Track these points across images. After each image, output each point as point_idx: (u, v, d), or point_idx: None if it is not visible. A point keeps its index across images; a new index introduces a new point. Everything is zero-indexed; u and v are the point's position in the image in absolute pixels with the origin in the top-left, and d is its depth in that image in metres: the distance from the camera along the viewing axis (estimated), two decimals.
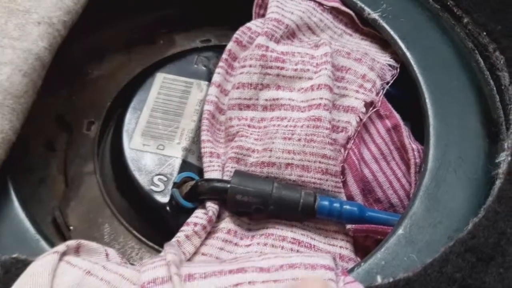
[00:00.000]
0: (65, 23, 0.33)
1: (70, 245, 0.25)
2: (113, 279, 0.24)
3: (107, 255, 0.27)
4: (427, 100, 0.33)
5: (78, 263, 0.24)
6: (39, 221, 0.30)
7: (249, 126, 0.35)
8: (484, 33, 0.37)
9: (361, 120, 0.34)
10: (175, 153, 0.36)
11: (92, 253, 0.26)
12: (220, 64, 0.37)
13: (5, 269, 0.25)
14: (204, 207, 0.33)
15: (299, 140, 0.33)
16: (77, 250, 0.26)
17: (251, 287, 0.23)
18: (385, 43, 0.38)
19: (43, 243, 0.28)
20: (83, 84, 0.43)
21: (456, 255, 0.26)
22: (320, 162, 0.32)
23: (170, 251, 0.25)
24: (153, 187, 0.34)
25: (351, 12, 0.39)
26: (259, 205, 0.32)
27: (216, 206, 0.32)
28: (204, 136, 0.35)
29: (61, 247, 0.25)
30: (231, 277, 0.24)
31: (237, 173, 0.33)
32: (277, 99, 0.35)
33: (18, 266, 0.25)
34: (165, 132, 0.37)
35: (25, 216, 0.29)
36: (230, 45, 0.38)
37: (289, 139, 0.33)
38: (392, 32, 0.37)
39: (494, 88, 0.35)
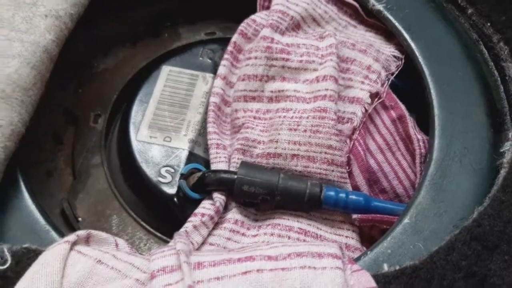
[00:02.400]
0: (72, 16, 0.33)
1: (81, 235, 0.26)
2: (123, 268, 0.24)
3: (116, 245, 0.27)
4: (432, 91, 0.34)
5: (88, 252, 0.24)
6: (48, 213, 0.30)
7: (254, 117, 0.36)
8: (488, 24, 0.37)
9: (366, 111, 0.34)
10: (182, 145, 0.36)
11: (102, 243, 0.27)
12: (225, 56, 0.37)
13: (17, 259, 0.25)
14: (211, 198, 0.33)
15: (305, 131, 0.33)
16: (87, 240, 0.26)
17: (259, 275, 0.23)
18: (389, 35, 0.38)
19: (53, 234, 0.28)
20: (89, 77, 0.43)
21: (462, 243, 0.27)
22: (326, 153, 0.32)
23: (179, 240, 0.25)
24: (160, 179, 0.35)
25: (355, 3, 0.39)
26: (265, 195, 0.32)
27: (223, 197, 0.33)
28: (210, 128, 0.35)
29: (72, 236, 0.25)
30: (240, 265, 0.24)
31: (244, 164, 0.33)
32: (283, 90, 0.35)
33: (30, 256, 0.25)
34: (172, 124, 0.37)
35: (35, 207, 0.29)
36: (235, 37, 0.38)
37: (295, 130, 0.33)
38: (396, 23, 0.37)
39: (499, 79, 0.35)
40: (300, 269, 0.24)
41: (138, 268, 0.24)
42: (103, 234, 0.27)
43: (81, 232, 0.26)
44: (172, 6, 0.46)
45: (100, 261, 0.24)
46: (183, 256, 0.23)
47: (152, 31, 0.45)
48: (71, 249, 0.24)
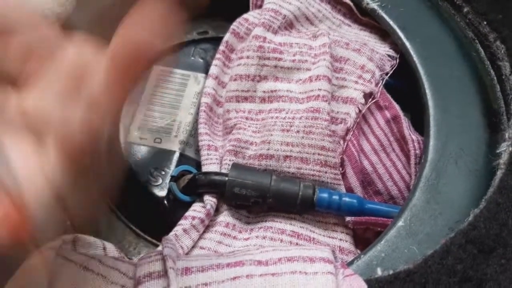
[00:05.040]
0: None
1: (67, 239, 0.25)
2: (109, 274, 0.24)
3: (104, 248, 0.27)
4: (427, 91, 0.33)
5: (74, 258, 0.24)
6: None
7: (247, 118, 0.35)
8: (485, 23, 0.36)
9: (360, 111, 0.34)
10: (172, 147, 0.35)
11: (89, 247, 0.26)
12: (217, 56, 0.37)
13: None
14: (202, 200, 0.32)
15: (298, 132, 0.32)
16: (73, 244, 0.26)
17: (248, 281, 0.23)
18: (384, 33, 0.38)
19: None
20: None
21: (457, 247, 0.26)
22: (319, 154, 0.32)
23: (167, 245, 0.25)
24: (150, 181, 0.34)
25: (349, 2, 0.38)
26: (257, 198, 0.31)
27: (214, 200, 0.32)
28: (202, 129, 0.34)
29: (57, 242, 0.24)
30: (229, 271, 0.23)
31: (235, 166, 0.32)
32: (275, 90, 0.35)
33: None
34: (162, 125, 0.36)
35: None
36: (227, 37, 0.37)
37: (288, 131, 0.33)
38: (391, 22, 0.36)
39: (495, 78, 0.35)
40: (290, 274, 0.23)
41: (124, 274, 0.24)
42: (90, 238, 0.27)
43: (67, 237, 0.25)
44: None
45: (86, 267, 0.24)
46: (170, 262, 0.23)
47: None
48: (56, 254, 0.24)
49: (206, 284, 0.23)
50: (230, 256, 0.25)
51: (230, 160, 0.33)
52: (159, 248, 0.27)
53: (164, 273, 0.23)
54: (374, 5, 0.37)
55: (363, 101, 0.34)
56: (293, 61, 0.35)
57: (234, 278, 0.23)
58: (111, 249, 0.27)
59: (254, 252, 0.25)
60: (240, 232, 0.32)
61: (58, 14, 0.32)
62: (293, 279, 0.23)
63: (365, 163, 0.34)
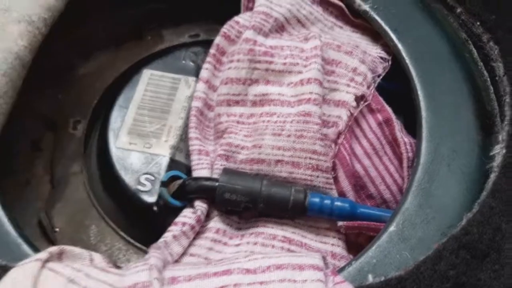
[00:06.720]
0: (46, 21, 0.32)
1: (53, 251, 0.25)
2: (96, 287, 0.23)
3: (91, 260, 0.26)
4: (420, 93, 0.33)
5: (61, 271, 0.23)
6: (25, 223, 0.30)
7: (238, 122, 0.35)
8: (478, 23, 0.36)
9: (352, 114, 0.33)
10: (163, 152, 0.35)
11: (75, 259, 0.26)
12: (208, 59, 0.36)
13: None
14: (192, 206, 0.32)
15: (289, 136, 0.32)
16: (60, 256, 0.25)
17: None
18: (376, 35, 0.37)
19: (25, 247, 0.27)
20: (69, 82, 0.42)
21: (450, 252, 0.26)
22: (310, 158, 0.32)
23: (153, 254, 0.24)
24: (139, 187, 0.33)
25: (341, 4, 0.38)
26: (248, 203, 0.31)
27: (204, 205, 0.32)
28: (192, 133, 0.34)
29: (43, 254, 0.24)
30: (216, 280, 0.23)
31: (226, 171, 0.32)
32: (266, 94, 0.35)
33: None
34: (152, 130, 0.36)
35: (6, 219, 0.28)
36: (218, 40, 0.37)
37: (279, 135, 0.32)
38: (383, 24, 0.36)
39: (488, 79, 0.34)
40: (279, 282, 0.23)
41: (111, 285, 0.23)
42: (76, 250, 0.26)
43: (54, 249, 0.25)
44: (156, 7, 0.45)
45: (72, 280, 0.23)
46: (155, 272, 0.22)
47: (135, 34, 0.44)
48: (42, 266, 0.23)
49: None
50: (218, 264, 0.24)
51: (221, 165, 0.33)
52: (147, 256, 0.26)
53: (150, 283, 0.22)
54: (366, 7, 0.37)
55: (355, 104, 0.34)
56: (284, 64, 0.35)
57: (221, 287, 0.23)
58: (99, 260, 0.27)
59: (243, 260, 0.24)
60: (231, 238, 0.32)
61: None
62: (281, 287, 0.23)
63: (357, 166, 0.34)
